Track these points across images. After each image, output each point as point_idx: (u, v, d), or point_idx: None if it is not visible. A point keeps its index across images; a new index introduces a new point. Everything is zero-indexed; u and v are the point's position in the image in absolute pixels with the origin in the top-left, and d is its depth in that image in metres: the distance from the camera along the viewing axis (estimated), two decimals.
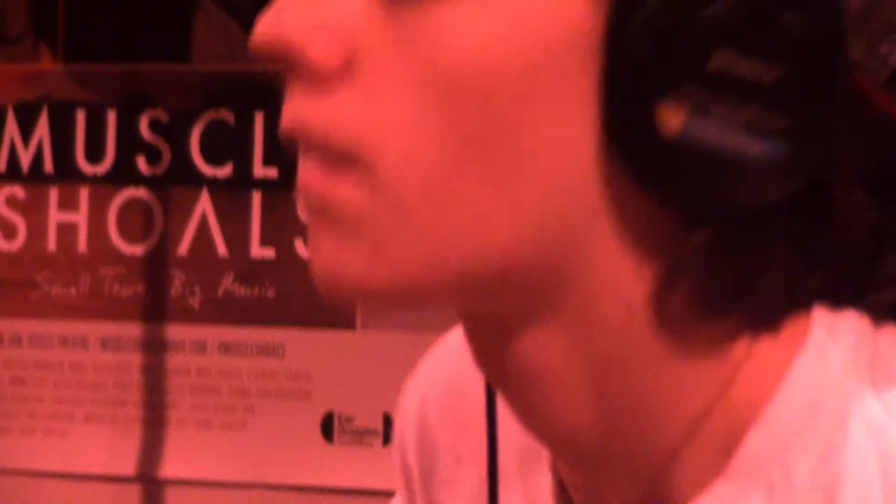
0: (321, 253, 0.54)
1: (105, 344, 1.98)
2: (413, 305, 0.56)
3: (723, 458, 0.56)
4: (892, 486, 0.53)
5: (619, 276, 0.54)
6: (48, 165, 2.00)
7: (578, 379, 0.55)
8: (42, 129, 1.99)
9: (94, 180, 1.99)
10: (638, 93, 0.50)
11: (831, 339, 0.56)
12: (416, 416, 0.73)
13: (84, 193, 1.99)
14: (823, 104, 0.51)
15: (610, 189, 0.52)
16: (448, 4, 0.50)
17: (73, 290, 1.99)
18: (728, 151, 0.50)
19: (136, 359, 1.97)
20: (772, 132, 0.51)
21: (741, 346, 0.55)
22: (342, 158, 0.52)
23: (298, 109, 0.53)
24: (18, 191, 2.01)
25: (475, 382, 0.65)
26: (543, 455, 0.64)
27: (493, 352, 0.57)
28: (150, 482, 1.97)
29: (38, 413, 1.99)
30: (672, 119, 0.50)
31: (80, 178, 1.99)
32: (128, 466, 1.97)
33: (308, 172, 0.53)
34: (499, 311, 0.55)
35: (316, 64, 0.52)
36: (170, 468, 1.96)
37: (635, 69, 0.50)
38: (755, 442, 0.55)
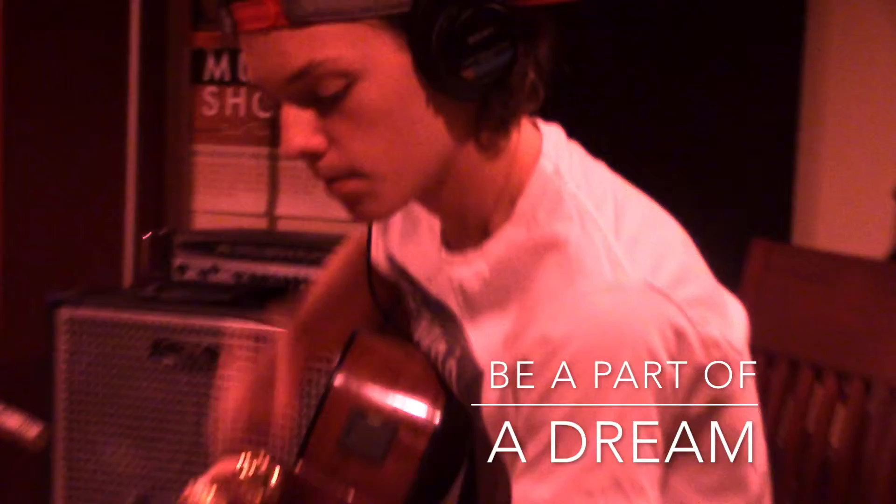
0: (358, 209, 1.17)
1: None
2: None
3: (509, 213, 1.20)
4: (586, 226, 1.15)
5: (466, 151, 1.17)
6: None
7: (454, 190, 1.20)
8: None
9: None
10: (446, 74, 1.11)
11: (555, 149, 1.21)
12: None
13: None
14: (518, 33, 1.13)
15: (456, 119, 1.15)
16: (351, 94, 1.10)
17: None
18: (494, 66, 1.12)
19: None
20: (502, 51, 1.11)
21: (512, 148, 1.20)
22: (352, 174, 1.14)
23: (326, 165, 1.14)
24: None
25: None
26: (438, 226, 1.32)
27: (430, 197, 1.21)
28: None
29: None
30: (468, 73, 1.11)
31: None
32: None
33: (341, 185, 1.15)
34: (432, 187, 1.19)
35: (319, 151, 1.14)
36: None
37: (439, 68, 1.11)
38: (520, 205, 1.20)
